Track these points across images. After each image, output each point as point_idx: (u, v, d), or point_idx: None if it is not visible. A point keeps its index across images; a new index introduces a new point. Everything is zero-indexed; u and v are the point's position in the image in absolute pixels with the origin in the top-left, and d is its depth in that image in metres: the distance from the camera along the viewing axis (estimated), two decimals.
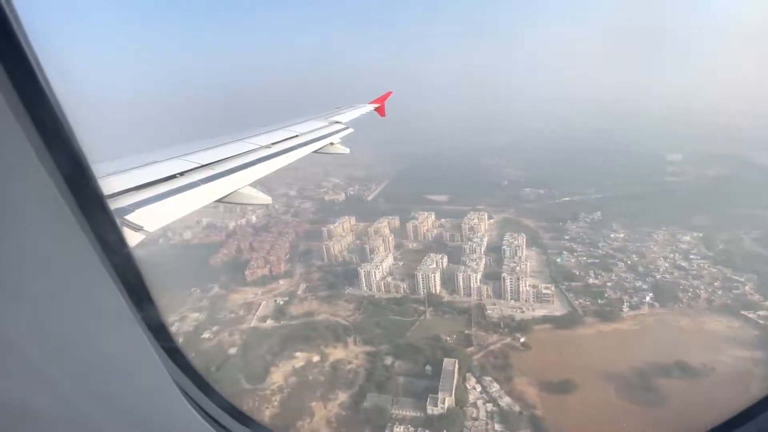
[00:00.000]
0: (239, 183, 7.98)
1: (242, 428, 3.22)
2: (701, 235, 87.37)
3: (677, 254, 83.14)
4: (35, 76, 1.58)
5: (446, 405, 53.71)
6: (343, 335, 70.02)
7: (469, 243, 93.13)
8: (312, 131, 12.92)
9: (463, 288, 79.17)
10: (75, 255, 1.78)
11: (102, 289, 1.88)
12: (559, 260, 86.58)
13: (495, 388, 56.63)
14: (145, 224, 5.44)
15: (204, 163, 8.21)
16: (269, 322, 75.26)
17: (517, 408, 53.42)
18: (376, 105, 20.17)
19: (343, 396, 58.22)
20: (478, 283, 79.14)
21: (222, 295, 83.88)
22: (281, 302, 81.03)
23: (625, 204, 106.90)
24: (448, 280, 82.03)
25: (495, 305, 74.79)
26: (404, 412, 54.31)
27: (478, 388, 57.18)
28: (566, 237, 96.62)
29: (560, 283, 78.61)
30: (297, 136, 11.95)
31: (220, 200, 7.54)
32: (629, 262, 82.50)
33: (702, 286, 72.56)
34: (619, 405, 51.40)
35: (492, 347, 64.89)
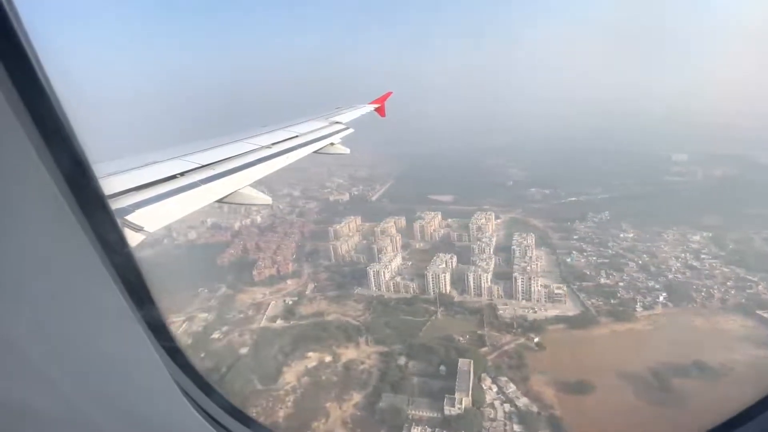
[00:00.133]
0: (240, 183, 8.02)
1: (242, 428, 3.22)
2: (711, 234, 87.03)
3: (688, 254, 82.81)
4: (36, 75, 1.58)
5: (463, 405, 53.15)
6: (354, 335, 69.43)
7: (478, 243, 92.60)
8: (312, 131, 13.00)
9: (474, 288, 78.65)
10: (75, 255, 1.76)
11: (102, 288, 1.87)
12: (569, 260, 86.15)
13: (511, 388, 56.06)
14: (145, 224, 5.48)
15: (204, 164, 8.23)
16: (279, 322, 74.58)
17: (535, 408, 52.86)
18: (376, 105, 20.31)
19: (357, 396, 57.58)
20: (489, 283, 78.64)
21: (230, 295, 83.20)
22: (290, 302, 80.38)
23: (632, 204, 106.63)
24: (458, 280, 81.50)
25: (506, 305, 74.31)
26: (421, 413, 53.72)
27: (494, 389, 56.61)
28: (575, 237, 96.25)
29: (571, 283, 78.12)
30: (297, 136, 11.98)
31: (220, 201, 7.57)
32: (640, 262, 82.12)
33: (715, 286, 72.20)
34: (639, 406, 50.89)
35: (506, 347, 64.34)
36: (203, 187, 7.39)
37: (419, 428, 51.56)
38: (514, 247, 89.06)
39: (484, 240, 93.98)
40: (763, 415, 2.63)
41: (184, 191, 6.99)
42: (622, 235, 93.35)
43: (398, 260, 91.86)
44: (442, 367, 60.17)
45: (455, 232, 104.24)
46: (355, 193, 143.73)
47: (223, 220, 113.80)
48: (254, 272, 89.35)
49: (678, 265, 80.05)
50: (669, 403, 50.30)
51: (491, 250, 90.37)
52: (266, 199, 8.26)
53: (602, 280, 78.39)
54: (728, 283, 72.48)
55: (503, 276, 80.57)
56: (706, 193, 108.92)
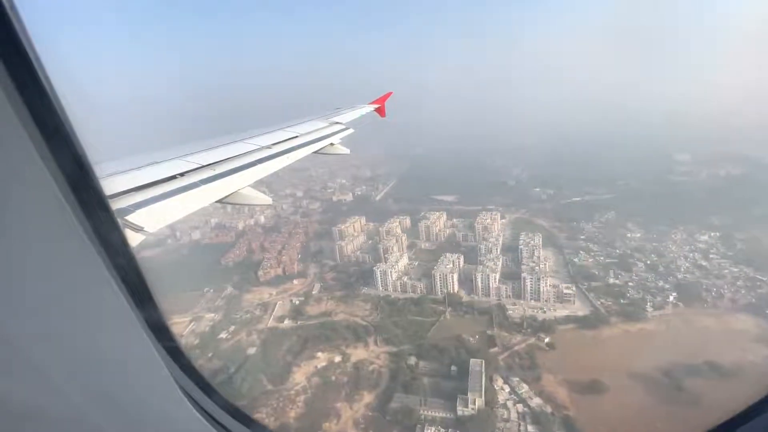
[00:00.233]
0: (240, 184, 8.05)
1: (242, 428, 3.20)
2: (719, 234, 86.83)
3: (696, 254, 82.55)
4: (37, 76, 1.59)
5: (477, 406, 52.66)
6: (363, 335, 68.98)
7: (485, 243, 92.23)
8: (312, 132, 13.02)
9: (482, 288, 78.18)
10: (76, 255, 1.77)
11: (103, 288, 1.88)
12: (576, 260, 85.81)
13: (524, 388, 55.64)
14: (145, 225, 5.50)
15: (204, 164, 8.26)
16: (287, 322, 74.01)
17: (548, 409, 52.40)
18: (377, 106, 20.14)
19: (368, 397, 57.08)
20: (497, 283, 78.19)
21: (236, 296, 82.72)
22: (297, 302, 79.81)
23: (638, 204, 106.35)
24: (466, 280, 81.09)
25: (515, 305, 73.92)
26: (434, 413, 53.25)
27: (507, 389, 56.20)
28: (581, 237, 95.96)
29: (580, 283, 77.71)
30: (297, 136, 11.99)
31: (220, 201, 7.57)
32: (648, 262, 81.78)
33: (725, 286, 71.91)
34: (655, 406, 50.40)
35: (517, 347, 63.87)
36: (203, 187, 7.43)
37: (433, 428, 51.06)
38: (521, 246, 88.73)
39: (490, 240, 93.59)
40: (765, 415, 2.63)
41: (185, 191, 7.02)
42: (629, 235, 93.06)
43: (404, 260, 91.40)
44: (453, 367, 59.75)
45: (461, 232, 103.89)
46: (359, 193, 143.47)
47: (226, 220, 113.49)
48: (260, 272, 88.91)
49: (687, 264, 79.73)
50: (684, 404, 49.84)
51: (498, 250, 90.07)
52: (266, 199, 8.28)
53: (611, 280, 78.03)
54: (738, 283, 72.18)
55: (511, 276, 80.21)
56: (711, 193, 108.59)
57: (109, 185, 6.07)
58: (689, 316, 66.49)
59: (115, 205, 5.73)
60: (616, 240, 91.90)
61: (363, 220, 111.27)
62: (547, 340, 64.54)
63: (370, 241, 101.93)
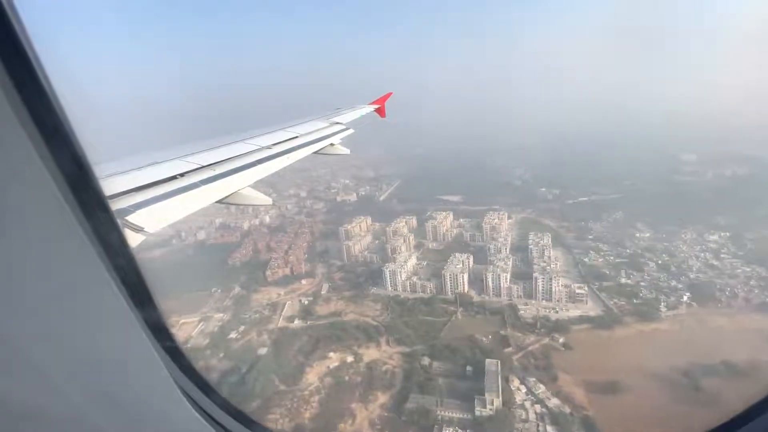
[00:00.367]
0: (240, 184, 8.07)
1: (242, 428, 3.19)
2: (729, 234, 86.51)
3: (708, 253, 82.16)
4: (37, 76, 1.59)
5: (494, 406, 52.08)
6: (374, 335, 68.36)
7: (493, 242, 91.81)
8: (312, 132, 13.09)
9: (493, 288, 77.61)
10: (75, 255, 1.78)
11: (102, 289, 1.88)
12: (587, 260, 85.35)
13: (541, 389, 55.04)
14: (145, 225, 5.50)
15: (205, 164, 8.28)
16: (297, 322, 73.30)
17: (567, 409, 51.83)
18: (377, 106, 20.13)
19: (383, 397, 56.41)
20: (508, 283, 77.63)
21: (244, 296, 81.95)
22: (306, 302, 79.14)
23: (645, 204, 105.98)
24: (476, 280, 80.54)
25: (527, 305, 73.40)
26: (451, 414, 52.61)
27: (523, 389, 55.58)
28: (590, 237, 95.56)
29: (591, 283, 77.17)
30: (297, 137, 12.04)
31: (220, 201, 7.57)
32: (660, 262, 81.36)
33: (738, 285, 71.50)
34: (672, 406, 49.89)
35: (531, 348, 63.32)
36: (204, 187, 7.44)
37: (450, 429, 50.46)
38: (530, 246, 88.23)
39: (499, 240, 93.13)
40: (765, 416, 2.60)
41: (185, 192, 7.04)
42: (638, 235, 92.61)
43: (413, 260, 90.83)
44: (469, 368, 59.12)
45: (468, 232, 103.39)
46: (362, 193, 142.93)
47: (231, 220, 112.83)
48: (267, 272, 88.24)
49: (699, 264, 79.34)
50: (704, 404, 49.29)
51: (507, 250, 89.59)
52: (266, 199, 8.26)
53: (623, 280, 77.57)
54: (751, 283, 71.84)
55: (522, 276, 79.62)
56: (718, 193, 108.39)
57: (110, 185, 6.08)
58: (704, 316, 66.06)
59: (116, 205, 5.73)
60: (626, 240, 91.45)
61: (369, 220, 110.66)
62: (561, 340, 63.95)
63: (376, 241, 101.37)
